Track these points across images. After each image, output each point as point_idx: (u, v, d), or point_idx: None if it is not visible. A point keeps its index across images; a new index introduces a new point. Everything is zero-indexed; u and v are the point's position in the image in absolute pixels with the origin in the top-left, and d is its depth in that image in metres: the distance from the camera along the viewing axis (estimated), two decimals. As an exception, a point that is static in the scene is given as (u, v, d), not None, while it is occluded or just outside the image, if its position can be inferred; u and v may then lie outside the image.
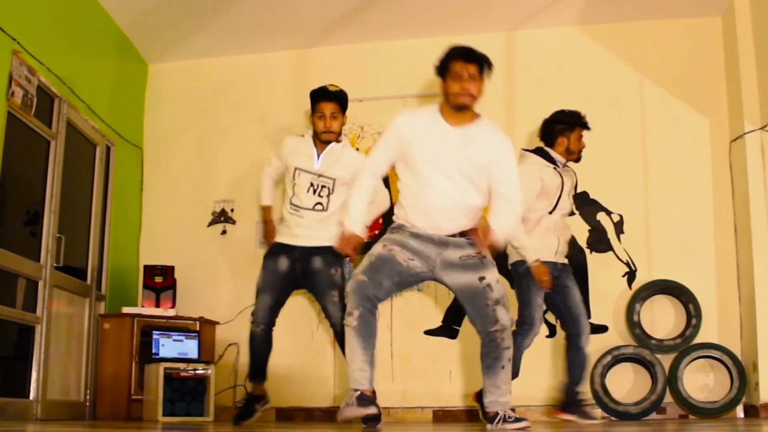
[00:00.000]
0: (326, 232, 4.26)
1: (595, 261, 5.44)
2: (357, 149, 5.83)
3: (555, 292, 4.43)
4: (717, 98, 5.50)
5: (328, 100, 4.30)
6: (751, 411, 4.91)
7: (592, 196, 5.52)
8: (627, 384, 5.24)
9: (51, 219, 4.75)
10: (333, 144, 4.36)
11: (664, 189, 5.46)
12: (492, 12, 5.60)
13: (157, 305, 5.37)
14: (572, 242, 5.45)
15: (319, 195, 4.31)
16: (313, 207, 4.31)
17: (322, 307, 4.43)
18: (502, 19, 5.70)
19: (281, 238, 4.41)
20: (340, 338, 4.13)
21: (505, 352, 3.48)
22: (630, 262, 5.42)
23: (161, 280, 5.40)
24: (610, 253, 5.43)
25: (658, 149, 5.53)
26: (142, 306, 5.35)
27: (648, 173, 5.50)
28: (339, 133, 4.39)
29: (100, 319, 5.22)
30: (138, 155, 6.08)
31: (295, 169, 4.34)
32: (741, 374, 4.93)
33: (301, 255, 4.32)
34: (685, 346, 5.09)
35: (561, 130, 4.48)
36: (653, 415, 4.99)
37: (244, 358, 5.50)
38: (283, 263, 4.34)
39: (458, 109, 3.44)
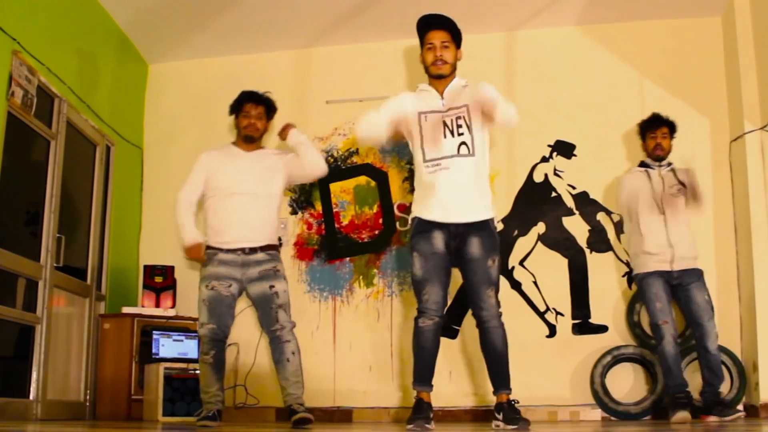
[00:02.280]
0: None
1: (595, 261, 5.44)
2: (357, 150, 5.85)
3: (677, 296, 4.55)
4: (717, 98, 5.50)
5: (437, 29, 3.67)
6: (751, 411, 4.91)
7: (592, 196, 5.52)
8: (627, 384, 5.23)
9: (51, 219, 4.75)
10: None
11: (664, 189, 5.46)
12: (492, 12, 5.60)
13: (157, 305, 5.37)
14: (572, 242, 5.47)
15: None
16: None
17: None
18: (502, 19, 5.71)
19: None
20: (483, 339, 3.69)
21: (286, 346, 4.06)
22: (630, 262, 5.41)
23: (161, 280, 5.40)
24: (610, 253, 5.43)
25: (658, 149, 5.52)
26: (142, 306, 5.35)
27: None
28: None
29: (100, 319, 5.22)
30: (138, 155, 6.08)
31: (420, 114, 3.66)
32: (741, 374, 4.93)
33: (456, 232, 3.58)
34: (685, 346, 5.08)
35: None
36: (653, 415, 4.98)
37: (244, 358, 5.52)
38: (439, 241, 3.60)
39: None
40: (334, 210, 5.80)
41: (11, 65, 4.30)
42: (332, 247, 5.74)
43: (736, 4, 5.35)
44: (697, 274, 4.55)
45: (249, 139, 4.28)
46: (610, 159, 5.53)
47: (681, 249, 4.51)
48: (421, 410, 3.53)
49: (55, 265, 4.74)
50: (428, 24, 3.58)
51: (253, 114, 4.27)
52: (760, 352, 4.87)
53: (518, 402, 3.66)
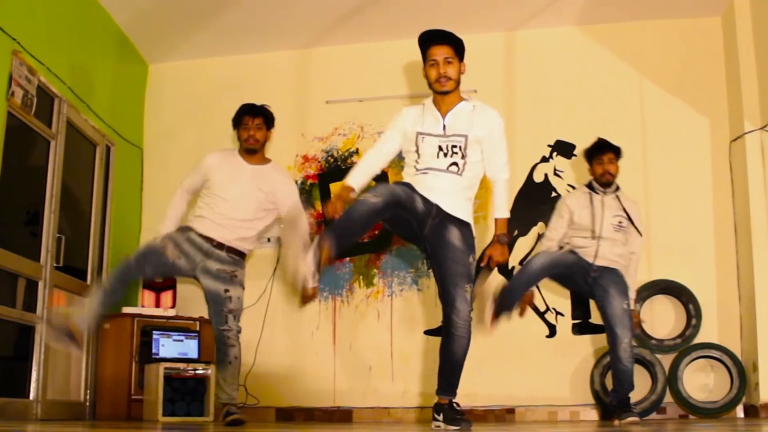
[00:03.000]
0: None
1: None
2: (357, 150, 5.85)
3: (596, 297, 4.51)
4: (717, 98, 5.50)
5: (440, 44, 3.56)
6: (751, 411, 4.91)
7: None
8: (627, 384, 5.23)
9: (51, 219, 4.75)
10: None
11: (664, 189, 5.46)
12: (492, 12, 5.60)
13: (157, 305, 5.37)
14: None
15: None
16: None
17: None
18: (502, 19, 5.71)
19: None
20: (446, 341, 3.52)
21: (230, 350, 4.21)
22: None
23: (161, 280, 5.39)
24: (610, 253, 5.42)
25: (658, 149, 5.53)
26: (142, 306, 5.35)
27: (648, 173, 5.50)
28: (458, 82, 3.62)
29: (100, 319, 5.21)
30: (138, 155, 6.08)
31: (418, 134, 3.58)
32: (741, 374, 4.93)
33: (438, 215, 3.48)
34: (685, 346, 5.09)
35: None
36: (653, 415, 4.98)
37: (244, 358, 5.50)
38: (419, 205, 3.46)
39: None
40: (334, 210, 5.80)
41: (11, 65, 4.30)
42: (332, 247, 5.73)
43: (736, 4, 5.35)
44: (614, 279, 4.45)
45: (251, 152, 4.33)
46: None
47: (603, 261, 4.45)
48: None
49: (55, 265, 4.74)
50: (431, 39, 3.53)
51: (251, 126, 4.31)
52: (760, 352, 4.87)
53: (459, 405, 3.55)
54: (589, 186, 4.61)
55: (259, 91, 6.07)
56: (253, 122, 4.32)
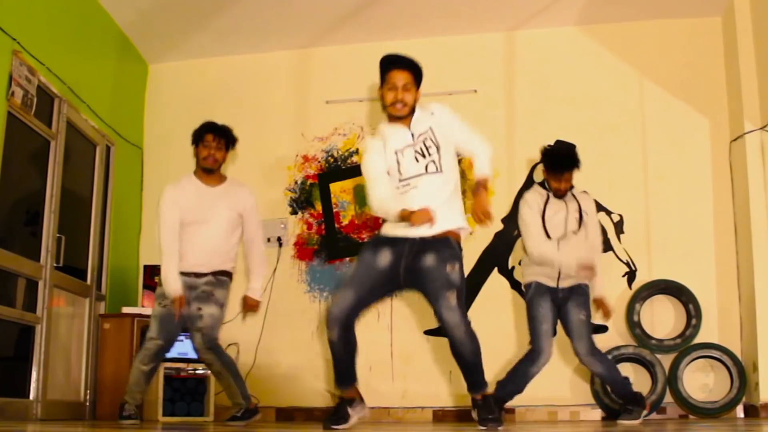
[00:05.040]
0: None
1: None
2: (357, 149, 5.85)
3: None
4: (717, 98, 5.50)
5: (401, 69, 3.59)
6: (751, 411, 4.91)
7: (592, 197, 5.51)
8: (627, 384, 5.24)
9: (51, 219, 4.75)
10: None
11: (664, 189, 5.46)
12: (492, 12, 5.60)
13: (157, 305, 5.37)
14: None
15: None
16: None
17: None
18: (502, 19, 5.70)
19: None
20: (452, 346, 3.55)
21: (212, 366, 4.29)
22: (630, 262, 5.42)
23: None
24: (610, 253, 5.43)
25: (658, 149, 5.53)
26: (142, 306, 5.35)
27: (648, 173, 5.50)
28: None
29: (100, 319, 5.22)
30: (138, 155, 6.08)
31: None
32: (741, 374, 4.93)
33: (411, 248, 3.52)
34: (685, 346, 5.09)
35: None
36: (653, 415, 4.98)
37: (244, 358, 5.52)
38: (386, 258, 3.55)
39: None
40: (334, 210, 5.80)
41: (11, 65, 4.30)
42: (332, 247, 5.74)
43: (736, 4, 5.35)
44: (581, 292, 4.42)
45: (208, 171, 4.30)
46: (609, 159, 5.53)
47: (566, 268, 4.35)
48: (339, 410, 3.66)
49: (55, 265, 4.74)
50: (392, 63, 3.58)
51: (213, 145, 4.28)
52: (760, 352, 4.87)
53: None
54: (543, 186, 4.51)
55: (259, 91, 6.10)
56: (214, 142, 4.28)
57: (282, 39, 5.95)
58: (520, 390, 4.37)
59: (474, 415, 3.57)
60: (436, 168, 3.50)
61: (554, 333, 4.45)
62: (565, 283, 4.38)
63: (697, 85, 5.55)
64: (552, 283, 4.38)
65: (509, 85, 5.78)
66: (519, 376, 4.35)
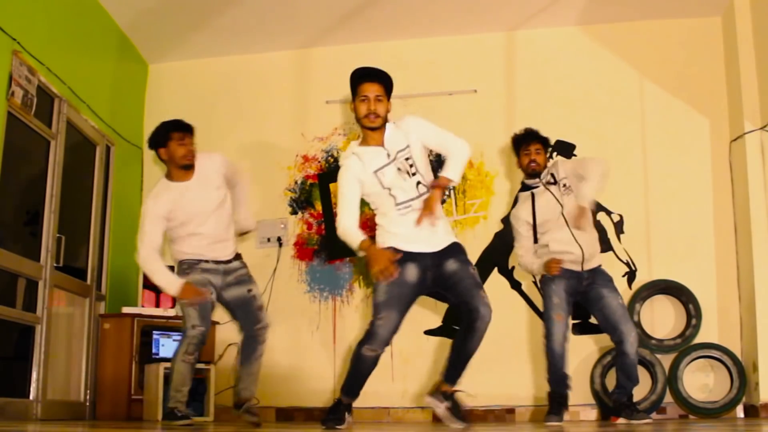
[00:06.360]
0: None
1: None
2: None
3: (588, 301, 4.47)
4: (717, 98, 5.50)
5: (372, 81, 3.70)
6: (751, 411, 4.91)
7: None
8: (627, 384, 5.23)
9: (51, 219, 4.75)
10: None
11: (664, 189, 5.46)
12: (492, 12, 5.60)
13: (157, 305, 5.37)
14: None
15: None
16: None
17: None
18: (502, 19, 5.71)
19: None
20: (466, 337, 3.60)
21: (261, 346, 4.21)
22: (630, 262, 5.42)
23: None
24: (610, 253, 5.43)
25: (658, 149, 5.53)
26: (142, 306, 5.35)
27: (648, 173, 5.50)
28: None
29: (100, 319, 5.22)
30: (138, 155, 6.08)
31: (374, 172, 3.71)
32: (741, 374, 4.93)
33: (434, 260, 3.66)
34: (685, 346, 5.09)
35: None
36: (653, 415, 4.98)
37: (244, 358, 5.51)
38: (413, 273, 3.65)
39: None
40: (334, 210, 5.80)
41: (11, 65, 4.30)
42: (332, 247, 5.74)
43: (736, 4, 5.35)
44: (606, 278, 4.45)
45: (188, 167, 4.20)
46: (609, 159, 5.50)
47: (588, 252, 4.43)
48: (337, 411, 3.69)
49: (55, 265, 4.74)
50: (363, 76, 3.65)
51: (188, 141, 4.20)
52: (760, 352, 4.87)
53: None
54: (524, 188, 4.59)
55: (259, 91, 6.10)
56: (186, 137, 4.20)
57: (282, 39, 5.95)
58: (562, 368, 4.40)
59: (441, 404, 3.57)
60: (425, 187, 3.62)
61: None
62: (588, 266, 4.41)
63: (697, 85, 5.56)
64: (576, 267, 4.40)
65: (509, 85, 5.78)
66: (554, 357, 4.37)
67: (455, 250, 3.65)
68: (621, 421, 4.31)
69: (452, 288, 3.60)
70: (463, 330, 3.58)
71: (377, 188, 3.62)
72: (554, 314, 4.39)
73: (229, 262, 4.23)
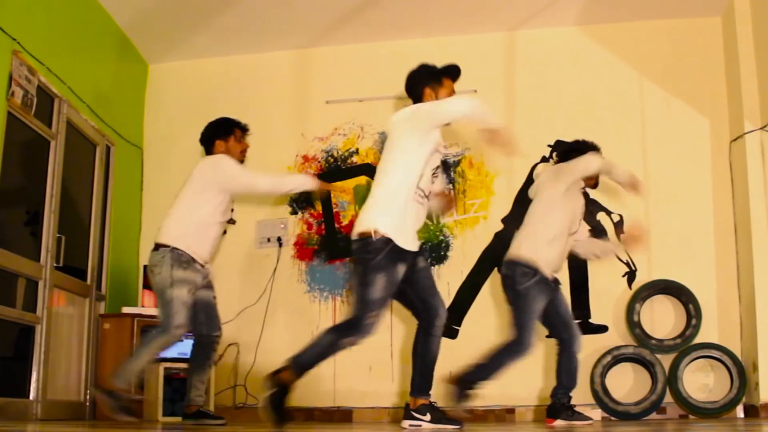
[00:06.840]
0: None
1: (595, 261, 5.43)
2: (357, 149, 5.86)
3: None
4: (717, 98, 5.50)
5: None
6: (751, 411, 4.91)
7: (592, 196, 5.51)
8: (627, 384, 5.24)
9: (51, 219, 4.75)
10: None
11: (664, 189, 5.46)
12: (492, 12, 5.60)
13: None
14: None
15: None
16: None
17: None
18: (502, 19, 5.71)
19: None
20: (426, 343, 3.71)
21: (214, 354, 4.31)
22: (630, 262, 5.42)
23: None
24: (610, 253, 5.42)
25: (658, 149, 5.53)
26: (142, 306, 5.35)
27: (648, 173, 5.49)
28: None
29: (100, 319, 5.22)
30: (138, 155, 6.08)
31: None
32: (741, 374, 4.93)
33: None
34: (685, 346, 5.09)
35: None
36: (653, 415, 4.99)
37: (244, 357, 5.52)
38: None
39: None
40: (334, 210, 5.80)
41: (11, 65, 4.30)
42: (332, 247, 5.74)
43: (736, 4, 5.35)
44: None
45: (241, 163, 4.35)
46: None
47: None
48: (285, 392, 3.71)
49: (55, 265, 4.74)
50: (458, 75, 3.85)
51: (245, 142, 4.40)
52: (760, 352, 4.87)
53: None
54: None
55: (259, 91, 6.10)
56: (246, 139, 4.42)
57: (282, 39, 5.95)
58: (489, 378, 4.02)
59: (424, 419, 3.57)
60: (426, 197, 3.63)
61: None
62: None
63: (697, 85, 5.56)
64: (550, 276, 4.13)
65: (509, 85, 5.78)
66: (496, 364, 3.99)
67: (422, 249, 3.70)
68: (559, 423, 4.12)
69: (415, 284, 3.60)
70: (422, 334, 3.62)
71: (429, 150, 3.54)
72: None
73: (205, 265, 4.23)
